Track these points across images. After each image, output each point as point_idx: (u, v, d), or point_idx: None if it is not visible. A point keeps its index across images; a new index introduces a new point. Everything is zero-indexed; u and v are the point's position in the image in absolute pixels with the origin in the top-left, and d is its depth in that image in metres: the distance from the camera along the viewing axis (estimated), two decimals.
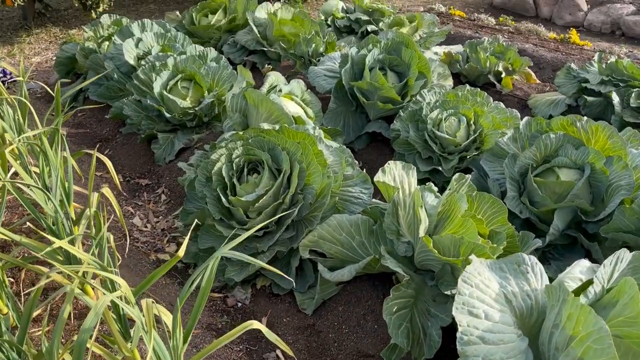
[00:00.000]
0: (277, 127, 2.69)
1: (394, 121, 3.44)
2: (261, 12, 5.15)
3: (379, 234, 2.40)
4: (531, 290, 1.84)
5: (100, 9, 7.06)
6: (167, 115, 3.63)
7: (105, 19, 4.91)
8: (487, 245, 2.05)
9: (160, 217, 3.16)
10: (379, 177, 2.29)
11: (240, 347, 2.27)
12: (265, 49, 4.97)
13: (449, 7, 7.59)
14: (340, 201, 2.58)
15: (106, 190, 2.12)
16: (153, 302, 1.54)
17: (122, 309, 1.77)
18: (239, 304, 2.51)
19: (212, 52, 4.00)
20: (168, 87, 3.68)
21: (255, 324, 1.75)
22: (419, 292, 2.19)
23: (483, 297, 1.68)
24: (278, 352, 2.27)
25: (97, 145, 4.01)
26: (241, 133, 2.72)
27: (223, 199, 2.47)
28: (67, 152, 2.16)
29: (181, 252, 1.72)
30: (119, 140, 4.06)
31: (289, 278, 2.26)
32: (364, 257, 2.35)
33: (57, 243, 1.68)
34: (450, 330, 2.10)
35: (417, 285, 2.20)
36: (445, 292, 2.07)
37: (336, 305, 2.34)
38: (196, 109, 3.67)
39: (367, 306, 2.27)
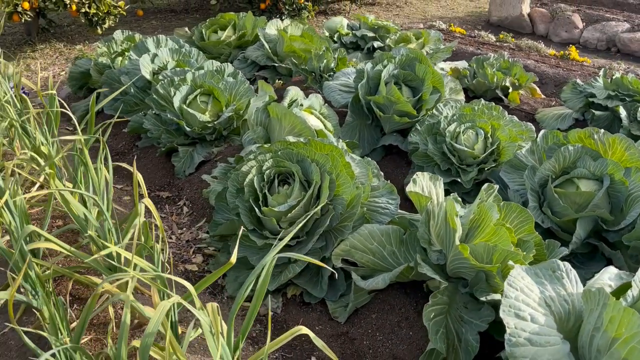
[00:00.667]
0: (303, 139, 2.76)
1: (410, 134, 3.52)
2: (271, 29, 5.25)
3: (409, 243, 2.46)
4: (567, 295, 1.90)
5: (106, 25, 7.13)
6: (187, 129, 3.68)
7: (118, 35, 4.98)
8: (519, 252, 2.12)
9: (184, 229, 3.19)
10: (410, 187, 2.36)
11: (276, 354, 2.30)
12: (276, 65, 5.06)
13: (448, 25, 7.76)
14: (368, 212, 2.64)
15: (147, 201, 2.17)
16: (217, 306, 1.58)
17: (174, 315, 1.81)
18: (271, 313, 2.54)
19: (229, 68, 4.07)
20: (187, 102, 3.74)
21: (303, 329, 1.80)
22: (452, 299, 2.25)
23: (528, 300, 1.74)
24: (313, 358, 2.31)
25: (114, 159, 4.05)
26: (267, 146, 2.78)
27: (256, 210, 2.52)
28: (110, 163, 2.20)
29: (233, 259, 1.76)
30: (135, 153, 4.10)
31: (321, 287, 2.32)
32: (395, 266, 2.41)
33: (112, 248, 1.73)
34: (482, 335, 2.16)
35: (450, 292, 2.25)
36: (481, 299, 2.13)
37: (369, 313, 2.39)
38: (215, 122, 3.73)
39: (400, 313, 2.32)
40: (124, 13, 7.33)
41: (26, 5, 6.42)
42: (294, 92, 3.48)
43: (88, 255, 1.97)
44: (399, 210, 2.74)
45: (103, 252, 1.76)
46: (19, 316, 2.31)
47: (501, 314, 1.67)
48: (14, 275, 1.99)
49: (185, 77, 3.82)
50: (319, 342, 1.84)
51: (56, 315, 1.94)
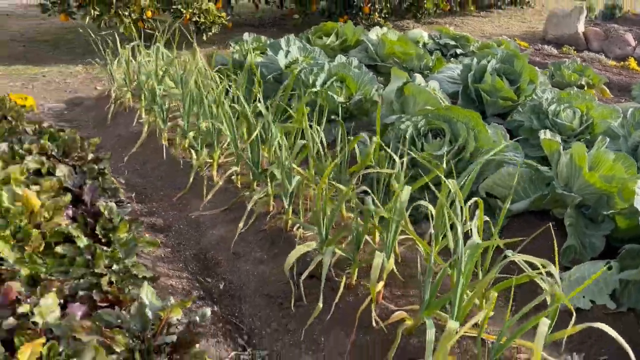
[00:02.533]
0: (446, 106, 3.57)
1: (513, 114, 4.32)
2: (373, 34, 6.14)
3: (536, 182, 3.23)
4: None
5: (211, 33, 8.14)
6: (330, 107, 4.54)
7: (247, 37, 5.93)
8: (633, 180, 2.87)
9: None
10: (542, 136, 3.14)
11: None
12: (378, 64, 5.92)
13: (513, 39, 8.57)
14: (500, 162, 3.42)
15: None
16: None
17: None
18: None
19: (355, 61, 4.94)
20: (326, 86, 4.61)
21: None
22: (577, 219, 2.99)
23: None
24: None
25: None
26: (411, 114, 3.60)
27: (416, 155, 3.33)
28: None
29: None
30: None
31: None
32: (525, 199, 3.18)
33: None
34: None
35: (575, 214, 3.00)
36: (604, 213, 2.88)
37: (509, 230, 3.15)
38: (348, 103, 4.58)
39: (535, 228, 3.08)
40: (226, 23, 8.35)
41: (149, 14, 7.48)
42: (419, 78, 4.31)
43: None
44: None
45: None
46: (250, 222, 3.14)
47: (635, 204, 2.43)
48: None
49: (323, 67, 4.70)
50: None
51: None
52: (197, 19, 7.82)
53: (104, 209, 2.82)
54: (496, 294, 2.13)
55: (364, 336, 2.36)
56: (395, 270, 2.56)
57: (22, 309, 2.08)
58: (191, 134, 3.83)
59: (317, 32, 6.58)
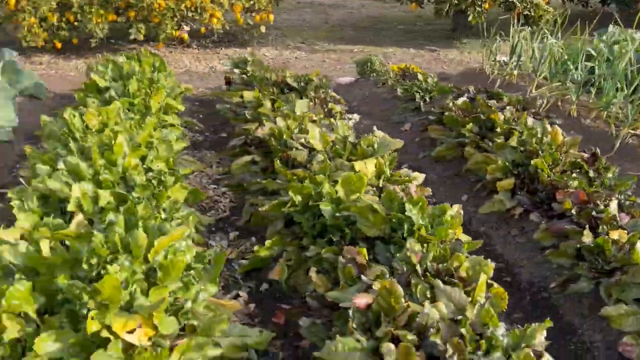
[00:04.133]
0: None
1: None
2: None
3: None
4: None
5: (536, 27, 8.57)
6: None
7: (611, 28, 6.24)
8: None
9: None
10: None
11: None
12: None
13: None
14: None
15: None
16: None
17: None
18: None
19: None
20: None
21: None
22: None
23: None
24: None
25: None
26: None
27: None
28: None
29: None
30: None
31: None
32: None
33: None
34: None
35: None
36: None
37: None
38: None
39: None
40: (553, 17, 8.68)
41: (487, 6, 8.18)
42: None
43: None
44: None
45: None
46: None
47: None
48: None
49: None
50: None
51: None
52: (528, 12, 8.30)
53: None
54: None
55: None
56: None
57: (600, 207, 2.78)
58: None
59: None
